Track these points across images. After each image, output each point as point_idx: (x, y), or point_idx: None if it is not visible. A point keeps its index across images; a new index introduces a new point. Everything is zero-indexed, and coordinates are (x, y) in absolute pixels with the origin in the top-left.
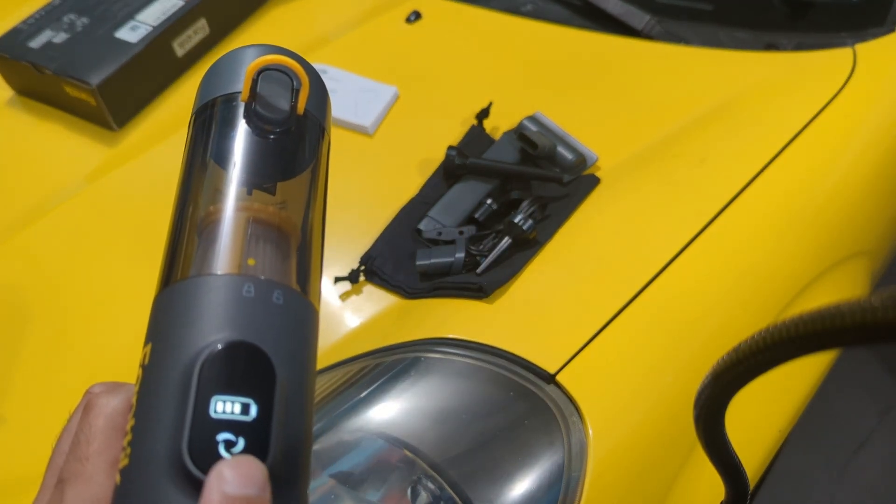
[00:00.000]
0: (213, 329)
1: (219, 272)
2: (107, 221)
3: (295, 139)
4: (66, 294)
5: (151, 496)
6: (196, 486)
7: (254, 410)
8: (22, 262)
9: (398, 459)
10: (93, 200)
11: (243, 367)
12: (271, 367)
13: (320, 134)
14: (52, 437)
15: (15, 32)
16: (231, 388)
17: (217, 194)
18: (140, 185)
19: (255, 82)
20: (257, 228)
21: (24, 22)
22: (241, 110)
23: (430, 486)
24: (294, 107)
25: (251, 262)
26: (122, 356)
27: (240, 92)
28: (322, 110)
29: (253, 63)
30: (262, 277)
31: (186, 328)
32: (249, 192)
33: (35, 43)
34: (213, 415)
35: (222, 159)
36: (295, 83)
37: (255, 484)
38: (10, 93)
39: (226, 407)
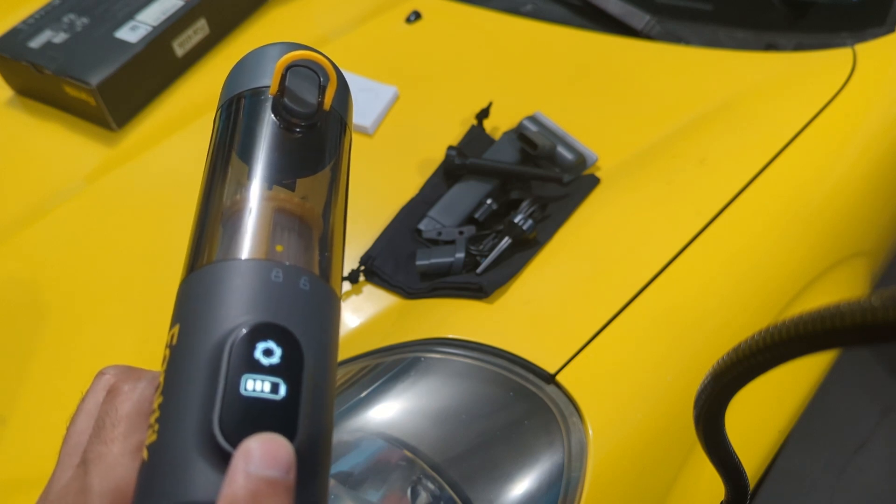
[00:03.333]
0: (243, 310)
1: (248, 257)
2: (107, 221)
3: (320, 134)
4: (66, 294)
5: (181, 469)
6: (225, 460)
7: (283, 390)
8: (22, 262)
9: (398, 459)
10: (93, 200)
11: (273, 348)
12: (300, 350)
13: (343, 129)
14: (53, 437)
15: (15, 32)
16: (261, 368)
17: (244, 184)
18: (140, 185)
19: (284, 77)
20: (282, 218)
21: (24, 22)
22: (269, 104)
23: (430, 486)
24: (321, 102)
25: (279, 248)
26: (124, 355)
27: (267, 86)
28: (345, 107)
29: (283, 58)
30: (290, 264)
31: (217, 309)
32: (270, 187)
33: (35, 43)
34: (243, 392)
35: (249, 151)
36: (322, 79)
37: (281, 465)
38: (10, 93)
39: (256, 385)
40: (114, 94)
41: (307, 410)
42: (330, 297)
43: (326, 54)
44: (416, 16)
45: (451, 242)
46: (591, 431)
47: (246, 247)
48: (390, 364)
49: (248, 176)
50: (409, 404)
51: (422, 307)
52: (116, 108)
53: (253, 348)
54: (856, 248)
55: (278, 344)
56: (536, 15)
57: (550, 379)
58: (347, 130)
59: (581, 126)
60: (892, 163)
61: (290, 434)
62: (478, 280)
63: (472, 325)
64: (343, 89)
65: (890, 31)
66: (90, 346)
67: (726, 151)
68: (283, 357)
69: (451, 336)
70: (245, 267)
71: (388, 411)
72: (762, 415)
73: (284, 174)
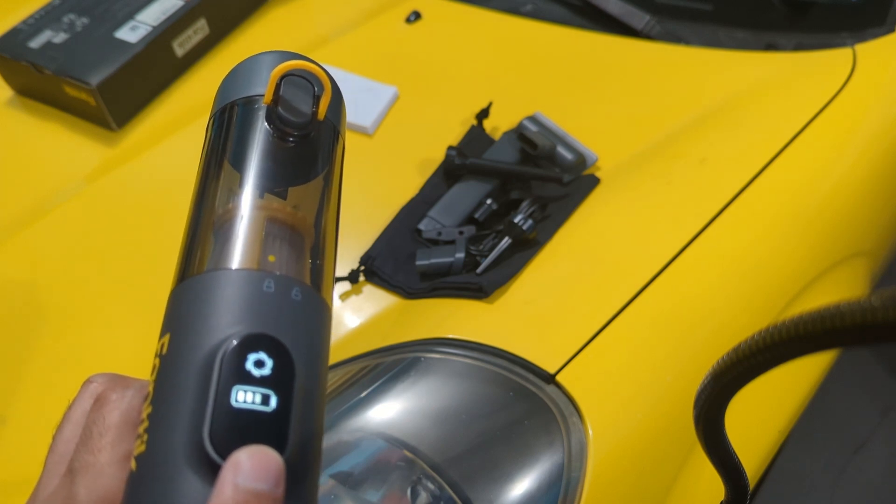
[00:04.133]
0: (235, 321)
1: (240, 267)
2: (107, 221)
3: (314, 144)
4: (65, 294)
5: (169, 480)
6: (214, 472)
7: (274, 402)
8: (22, 262)
9: (398, 459)
10: (93, 200)
11: (265, 360)
12: (291, 361)
13: (336, 138)
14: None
15: (15, 32)
16: (252, 379)
17: (236, 193)
18: (140, 185)
19: (278, 86)
20: (274, 227)
21: (24, 22)
22: (262, 113)
23: (430, 486)
24: (315, 112)
25: (271, 258)
26: (123, 355)
27: (261, 95)
28: (338, 116)
29: (278, 67)
30: (281, 274)
31: (208, 319)
32: (262, 195)
33: (35, 43)
34: (233, 404)
35: (242, 159)
36: (317, 89)
37: (270, 478)
38: (10, 93)
39: (247, 397)
40: (114, 94)
41: (297, 422)
42: (321, 307)
43: (325, 56)
44: (416, 16)
45: (451, 242)
46: (591, 431)
47: (237, 256)
48: (390, 364)
49: (240, 184)
50: (409, 404)
51: (422, 307)
52: (116, 108)
53: (244, 359)
54: (856, 248)
55: (269, 355)
56: (536, 15)
57: (550, 379)
58: (340, 139)
59: (581, 126)
60: (892, 163)
61: (279, 446)
62: (478, 280)
63: (472, 325)
64: (337, 99)
65: (890, 31)
66: (90, 345)
67: (726, 151)
68: (274, 368)
69: (451, 336)
70: (236, 277)
71: (388, 411)
72: (762, 415)
73: (277, 183)
